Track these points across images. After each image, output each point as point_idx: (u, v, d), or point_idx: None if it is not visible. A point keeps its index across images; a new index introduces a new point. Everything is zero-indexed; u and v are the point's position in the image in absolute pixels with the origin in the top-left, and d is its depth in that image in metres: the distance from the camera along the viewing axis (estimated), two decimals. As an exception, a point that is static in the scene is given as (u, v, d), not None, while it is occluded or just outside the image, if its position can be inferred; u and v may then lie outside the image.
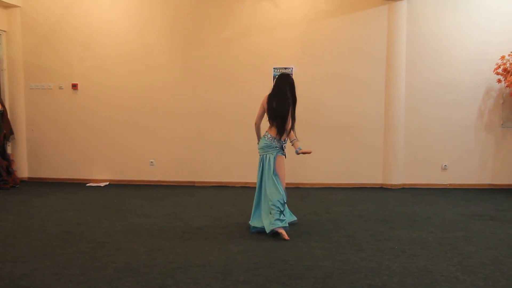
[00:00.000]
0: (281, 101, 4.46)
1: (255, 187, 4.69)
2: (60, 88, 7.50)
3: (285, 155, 4.61)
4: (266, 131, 4.58)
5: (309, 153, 4.55)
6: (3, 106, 7.18)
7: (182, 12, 7.26)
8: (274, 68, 7.07)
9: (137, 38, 7.34)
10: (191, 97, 7.32)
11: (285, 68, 7.07)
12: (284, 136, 4.53)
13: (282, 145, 4.53)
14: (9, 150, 7.39)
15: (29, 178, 7.73)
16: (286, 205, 4.57)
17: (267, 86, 4.66)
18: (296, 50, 7.16)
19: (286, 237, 4.28)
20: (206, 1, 7.21)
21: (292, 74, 7.04)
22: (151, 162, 7.47)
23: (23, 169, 7.67)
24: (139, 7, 7.33)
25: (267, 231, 4.37)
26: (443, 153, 7.18)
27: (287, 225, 4.47)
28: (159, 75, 7.34)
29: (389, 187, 7.17)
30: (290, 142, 4.63)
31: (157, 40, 7.33)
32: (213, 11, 7.21)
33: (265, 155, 4.53)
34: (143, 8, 7.32)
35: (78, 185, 7.31)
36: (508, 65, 6.61)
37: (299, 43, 7.15)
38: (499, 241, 4.25)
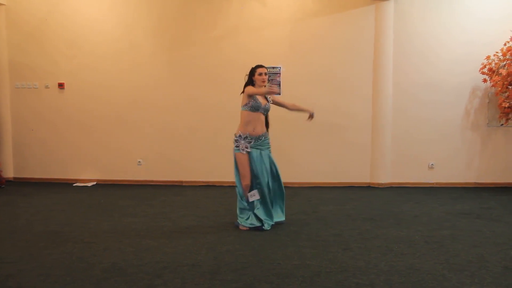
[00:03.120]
0: None
1: (242, 187, 4.74)
2: (46, 87, 7.41)
3: (243, 151, 4.84)
4: None
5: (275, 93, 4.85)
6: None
7: (169, 10, 7.22)
8: (262, 67, 7.06)
9: (124, 35, 7.28)
10: (179, 96, 7.28)
11: (273, 67, 7.07)
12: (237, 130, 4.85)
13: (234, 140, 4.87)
14: (-6, 149, 7.31)
15: (14, 178, 7.62)
16: (264, 205, 4.66)
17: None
18: (284, 49, 7.16)
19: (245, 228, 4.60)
20: (194, -1, 7.21)
21: (280, 73, 7.07)
22: (139, 161, 7.42)
23: (9, 169, 7.57)
24: (125, 4, 7.26)
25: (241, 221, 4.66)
26: (430, 152, 7.23)
27: (250, 227, 4.61)
28: (146, 73, 7.30)
29: (376, 186, 7.21)
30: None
31: (144, 38, 7.28)
32: (200, 9, 7.18)
33: (252, 152, 4.78)
34: (129, 5, 7.26)
35: (64, 185, 7.23)
36: (493, 65, 6.69)
37: (287, 42, 7.16)
38: (484, 239, 4.30)
